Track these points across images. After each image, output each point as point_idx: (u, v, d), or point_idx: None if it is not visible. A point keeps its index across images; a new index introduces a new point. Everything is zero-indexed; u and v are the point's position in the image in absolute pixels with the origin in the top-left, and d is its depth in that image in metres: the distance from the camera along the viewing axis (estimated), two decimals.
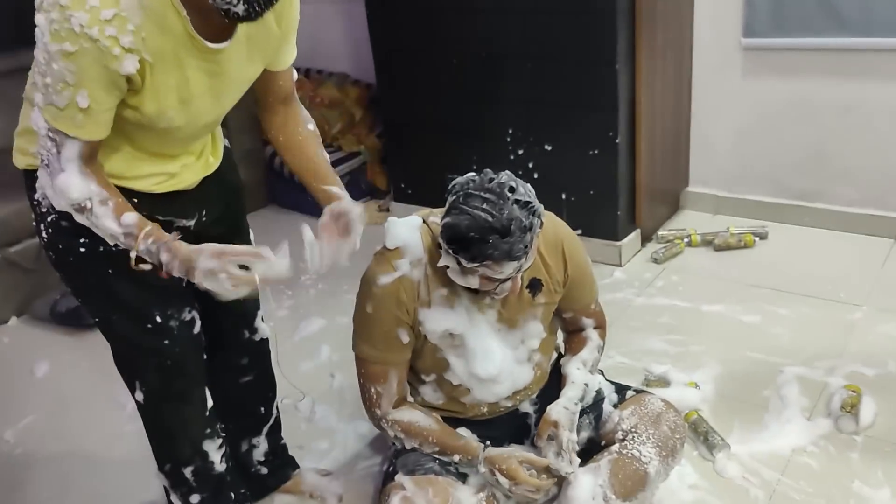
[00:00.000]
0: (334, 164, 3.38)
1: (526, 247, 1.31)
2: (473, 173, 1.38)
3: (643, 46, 2.40)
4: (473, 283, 1.37)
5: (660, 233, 2.80)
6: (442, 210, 1.57)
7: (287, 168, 1.50)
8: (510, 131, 2.70)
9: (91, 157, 1.17)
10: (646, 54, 2.43)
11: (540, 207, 1.35)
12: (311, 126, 1.44)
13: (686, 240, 2.72)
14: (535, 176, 2.70)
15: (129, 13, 1.04)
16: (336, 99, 3.37)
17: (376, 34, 2.89)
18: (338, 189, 1.37)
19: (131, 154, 1.27)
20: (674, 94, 2.74)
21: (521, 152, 2.71)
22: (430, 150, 2.95)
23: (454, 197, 1.35)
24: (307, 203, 1.54)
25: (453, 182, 1.38)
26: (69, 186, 1.13)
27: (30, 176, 1.28)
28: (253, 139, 3.34)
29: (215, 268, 1.12)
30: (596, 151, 2.54)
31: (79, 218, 1.17)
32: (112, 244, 1.20)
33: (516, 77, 2.60)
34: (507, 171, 1.37)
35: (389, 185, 3.30)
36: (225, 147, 1.48)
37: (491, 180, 1.33)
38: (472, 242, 1.28)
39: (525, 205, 1.31)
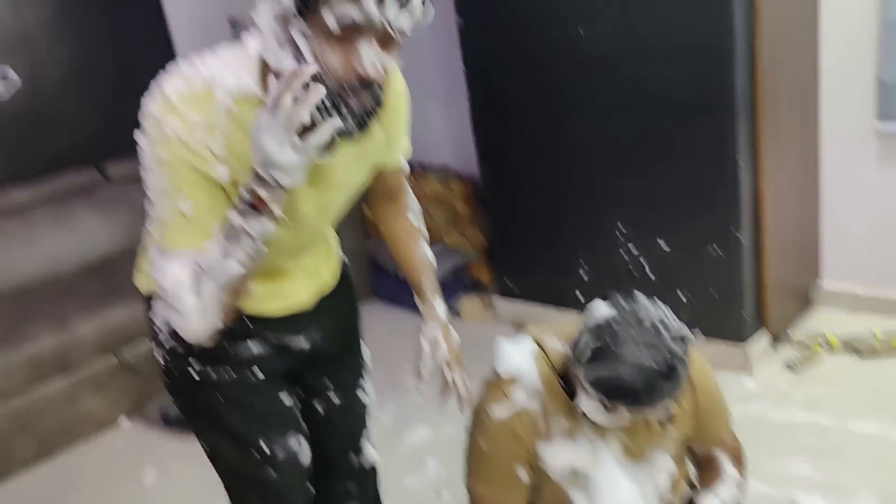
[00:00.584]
0: (438, 259, 3.37)
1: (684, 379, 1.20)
2: (608, 305, 1.25)
3: (766, 138, 2.24)
4: (622, 421, 1.25)
5: (792, 335, 2.55)
6: (557, 329, 1.45)
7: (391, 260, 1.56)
8: (621, 227, 2.57)
9: None
10: (769, 146, 2.27)
11: (688, 333, 1.22)
12: (415, 219, 1.43)
13: (824, 344, 2.46)
14: (650, 275, 2.55)
15: (218, 120, 1.02)
16: (440, 194, 3.35)
17: (480, 130, 2.86)
18: (429, 295, 1.43)
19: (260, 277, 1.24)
20: (800, 184, 2.54)
21: (633, 250, 2.57)
22: (536, 245, 2.86)
23: (599, 343, 1.21)
24: (408, 297, 1.53)
25: (593, 322, 1.25)
26: (176, 280, 1.04)
27: (150, 298, 1.27)
28: (354, 234, 3.36)
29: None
30: (717, 248, 2.36)
31: (208, 291, 1.05)
32: (244, 268, 1.05)
33: (628, 173, 2.48)
34: (646, 298, 1.25)
35: (494, 281, 3.21)
36: (343, 263, 1.44)
37: (639, 321, 1.20)
38: (641, 393, 1.17)
39: (679, 338, 1.19)
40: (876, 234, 2.58)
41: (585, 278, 2.74)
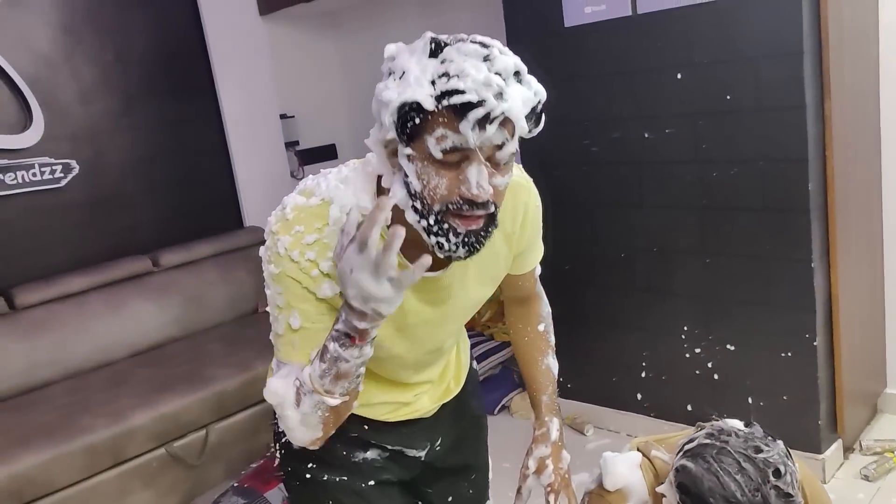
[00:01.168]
0: (486, 354, 3.34)
1: None
2: (742, 424, 1.22)
3: (838, 240, 2.25)
4: None
5: (863, 443, 2.48)
6: (665, 439, 1.41)
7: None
8: (685, 328, 2.55)
9: None
10: (841, 248, 2.27)
11: (799, 501, 1.15)
12: (542, 326, 1.38)
13: None
14: (716, 377, 2.50)
15: (330, 240, 1.01)
16: None
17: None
18: (545, 412, 1.35)
19: (373, 384, 1.21)
20: (868, 288, 2.53)
21: (698, 351, 2.54)
22: (594, 343, 2.82)
23: (709, 440, 1.19)
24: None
25: (717, 426, 1.22)
26: (272, 395, 1.04)
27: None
28: None
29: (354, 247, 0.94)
30: (790, 353, 2.32)
31: (306, 407, 1.02)
32: (338, 400, 1.01)
33: (692, 272, 2.48)
34: (780, 444, 1.20)
35: None
36: (470, 369, 1.40)
37: (758, 450, 1.15)
38: None
39: (785, 496, 1.12)
40: None
41: (646, 379, 2.70)
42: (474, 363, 1.47)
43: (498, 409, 3.11)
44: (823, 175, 2.19)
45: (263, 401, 1.27)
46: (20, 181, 3.01)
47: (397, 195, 0.97)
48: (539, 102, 0.96)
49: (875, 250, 2.56)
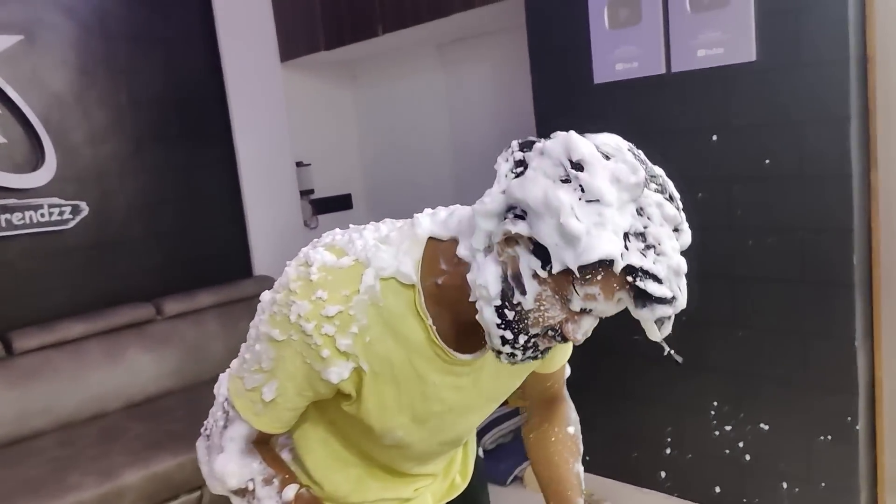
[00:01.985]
0: (497, 420, 3.17)
1: None
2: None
3: (883, 318, 2.11)
4: None
5: None
6: None
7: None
8: (715, 404, 2.39)
9: (261, 441, 1.01)
10: (886, 327, 2.13)
11: None
12: (572, 430, 1.20)
13: None
14: (748, 458, 2.34)
15: (357, 311, 0.88)
16: None
17: None
18: None
19: (359, 473, 1.08)
20: None
21: (728, 429, 2.37)
22: (614, 415, 2.66)
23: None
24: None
25: None
26: (226, 473, 0.99)
27: None
28: None
29: None
30: (829, 437, 2.16)
31: (238, 502, 1.03)
32: None
33: (724, 345, 2.34)
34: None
35: None
36: (477, 459, 1.26)
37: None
38: None
39: None
40: None
41: (671, 456, 2.53)
42: (480, 451, 1.31)
43: (510, 480, 2.93)
44: (868, 248, 2.07)
45: None
46: (27, 221, 2.92)
47: (484, 281, 0.83)
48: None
49: None
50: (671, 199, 0.81)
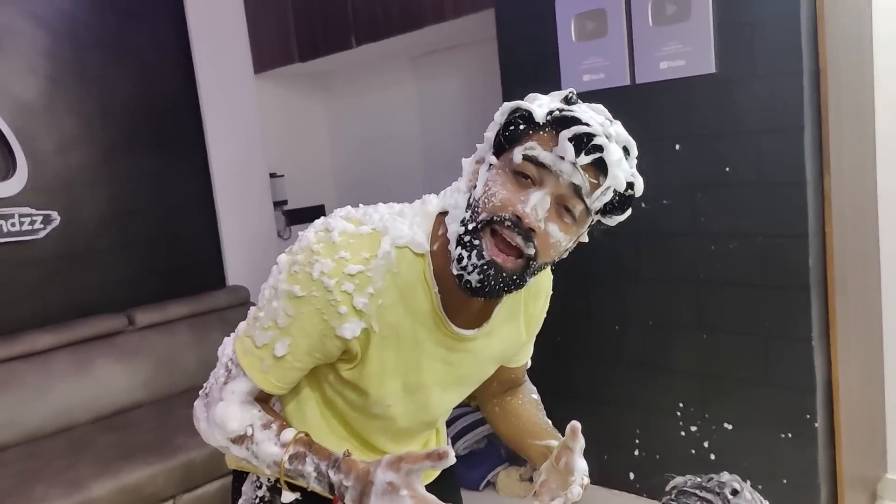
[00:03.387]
0: (470, 426, 3.20)
1: None
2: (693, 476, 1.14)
3: (838, 320, 2.19)
4: None
5: None
6: None
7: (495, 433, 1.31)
8: (680, 405, 2.45)
9: (260, 399, 1.03)
10: (841, 327, 2.21)
11: None
12: (536, 396, 1.28)
13: None
14: (712, 458, 2.40)
15: (374, 275, 0.94)
16: None
17: None
18: (557, 443, 1.15)
19: (347, 445, 1.11)
20: (867, 369, 2.46)
21: (694, 429, 2.43)
22: (583, 418, 2.67)
23: (666, 497, 1.10)
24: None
25: (672, 484, 1.14)
26: (227, 416, 0.99)
27: (238, 478, 1.17)
28: None
29: (395, 481, 0.89)
30: (790, 435, 2.23)
31: (237, 451, 1.02)
32: (275, 479, 1.04)
33: (689, 348, 2.40)
34: (734, 476, 1.13)
35: None
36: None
37: (710, 479, 1.09)
38: None
39: None
40: None
41: (639, 458, 2.58)
42: (450, 444, 1.35)
43: (483, 485, 2.96)
44: (823, 251, 2.15)
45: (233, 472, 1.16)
46: None
47: (454, 202, 0.96)
48: (632, 189, 0.96)
49: (873, 330, 2.51)
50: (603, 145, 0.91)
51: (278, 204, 3.91)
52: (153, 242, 3.39)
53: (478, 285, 0.92)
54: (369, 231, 0.96)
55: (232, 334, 1.06)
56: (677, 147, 2.29)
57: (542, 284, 1.18)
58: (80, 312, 3.10)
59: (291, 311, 0.95)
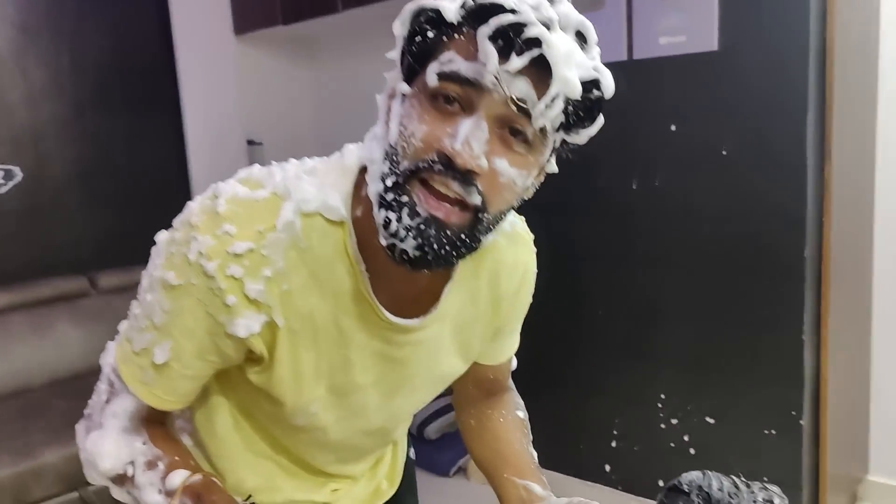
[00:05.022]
0: (442, 410, 3.08)
1: None
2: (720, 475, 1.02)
3: (830, 315, 2.11)
4: None
5: None
6: None
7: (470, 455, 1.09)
8: (662, 396, 2.37)
9: (152, 420, 0.84)
10: (833, 323, 2.13)
11: None
12: (522, 414, 1.07)
13: None
14: (693, 452, 2.32)
15: (271, 252, 0.73)
16: None
17: None
18: (540, 489, 0.97)
19: (270, 468, 0.93)
20: (855, 368, 2.39)
21: (674, 422, 2.35)
22: (559, 405, 2.62)
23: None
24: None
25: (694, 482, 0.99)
26: (97, 453, 0.80)
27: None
28: None
29: None
30: (773, 431, 2.16)
31: (118, 495, 0.84)
32: None
33: (674, 336, 2.31)
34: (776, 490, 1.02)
35: None
36: (408, 461, 1.12)
37: (751, 490, 0.95)
38: None
39: None
40: None
41: (616, 449, 2.50)
42: (412, 452, 1.17)
43: (454, 470, 2.87)
44: (819, 241, 2.06)
45: None
46: None
47: (370, 152, 0.75)
48: (597, 84, 0.70)
49: (863, 329, 2.44)
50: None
51: None
52: (121, 204, 3.25)
53: (417, 252, 0.70)
54: (266, 196, 0.75)
55: (116, 335, 0.85)
56: (672, 127, 2.19)
57: (517, 256, 0.95)
58: (42, 272, 2.96)
59: (167, 306, 0.74)
